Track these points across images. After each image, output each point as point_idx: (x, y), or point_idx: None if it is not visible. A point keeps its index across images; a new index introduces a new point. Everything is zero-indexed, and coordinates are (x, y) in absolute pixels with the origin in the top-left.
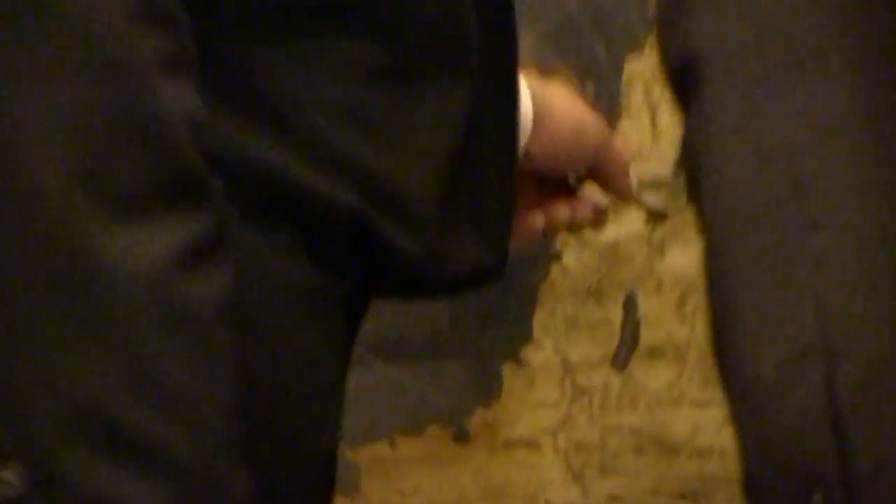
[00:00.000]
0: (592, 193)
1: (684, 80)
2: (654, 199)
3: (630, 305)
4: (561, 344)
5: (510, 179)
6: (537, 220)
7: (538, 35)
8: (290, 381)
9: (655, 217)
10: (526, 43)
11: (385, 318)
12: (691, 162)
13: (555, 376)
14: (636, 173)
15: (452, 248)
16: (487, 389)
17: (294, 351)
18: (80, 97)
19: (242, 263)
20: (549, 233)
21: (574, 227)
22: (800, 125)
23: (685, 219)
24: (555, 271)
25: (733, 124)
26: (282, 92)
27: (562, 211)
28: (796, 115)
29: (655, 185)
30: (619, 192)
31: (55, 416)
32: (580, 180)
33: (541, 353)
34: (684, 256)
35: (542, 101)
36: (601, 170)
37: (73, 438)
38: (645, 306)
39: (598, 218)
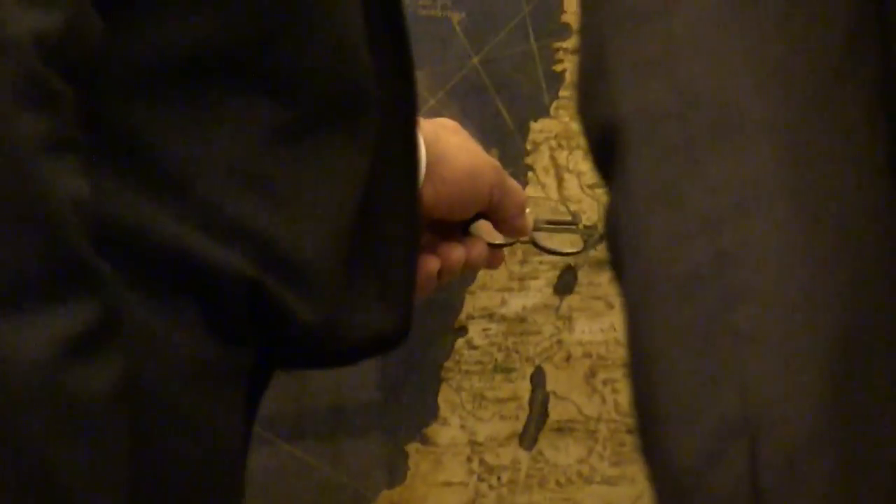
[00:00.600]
0: (488, 233)
1: (606, 153)
2: (551, 240)
3: (538, 380)
4: (468, 421)
5: (412, 242)
6: (431, 264)
7: (440, 97)
8: (189, 459)
9: (565, 264)
10: (428, 105)
11: (285, 394)
12: (612, 238)
13: (462, 455)
14: (533, 213)
15: (354, 314)
16: (393, 469)
17: (193, 427)
18: None
19: (138, 337)
20: (444, 276)
21: (469, 269)
22: (722, 196)
23: (593, 290)
24: (460, 345)
25: (654, 196)
26: (175, 156)
27: (456, 252)
28: (718, 185)
29: (555, 226)
30: (515, 231)
31: None
32: (475, 220)
33: (447, 431)
34: (593, 328)
35: (435, 144)
36: (497, 210)
37: None
38: (553, 380)
39: (494, 259)
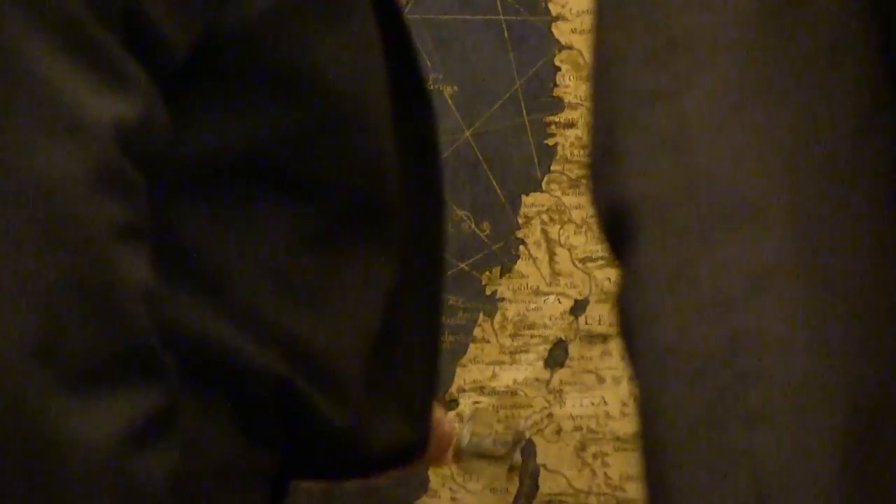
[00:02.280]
0: None
1: (617, 233)
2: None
3: (528, 453)
4: (458, 493)
5: (433, 359)
6: None
7: None
8: None
9: (552, 366)
10: None
11: None
12: (623, 317)
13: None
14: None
15: (378, 422)
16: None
17: None
18: (38, 266)
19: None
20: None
21: None
22: (733, 278)
23: (584, 364)
24: (451, 418)
25: (666, 278)
26: (213, 257)
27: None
28: (730, 269)
29: (481, 456)
30: (435, 464)
31: None
32: None
33: None
34: (584, 402)
35: None
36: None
37: None
38: (544, 453)
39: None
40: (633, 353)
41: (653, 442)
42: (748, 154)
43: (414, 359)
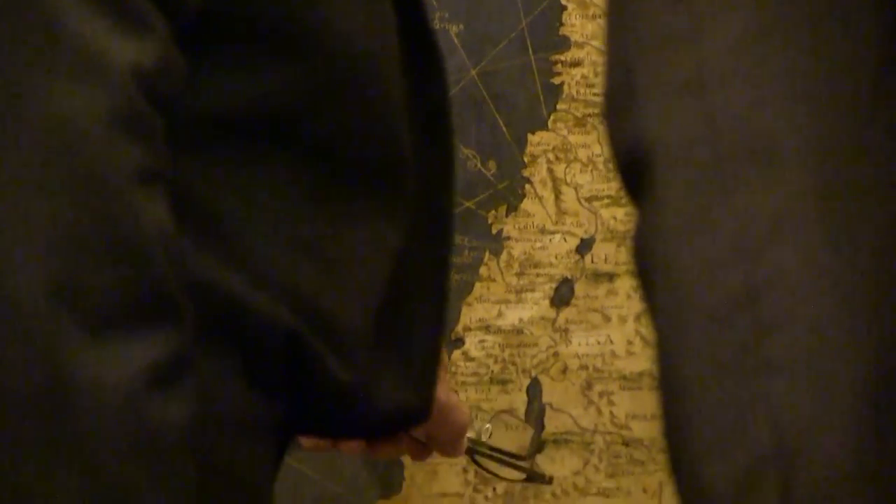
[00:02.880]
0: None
1: (634, 174)
2: (507, 471)
3: (534, 392)
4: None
5: (438, 324)
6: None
7: None
8: (229, 497)
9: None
10: None
11: None
12: (642, 261)
13: (457, 466)
14: (488, 429)
15: (382, 383)
16: (388, 480)
17: (228, 475)
18: (58, 210)
19: None
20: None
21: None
22: (754, 225)
23: (590, 303)
24: (456, 357)
25: (686, 224)
26: (223, 211)
27: (385, 450)
28: (750, 214)
29: (493, 454)
30: (447, 455)
31: None
32: None
33: None
34: (589, 341)
35: None
36: (433, 437)
37: None
38: (549, 392)
39: (420, 454)
40: (652, 297)
41: (673, 387)
42: (768, 97)
43: (420, 322)
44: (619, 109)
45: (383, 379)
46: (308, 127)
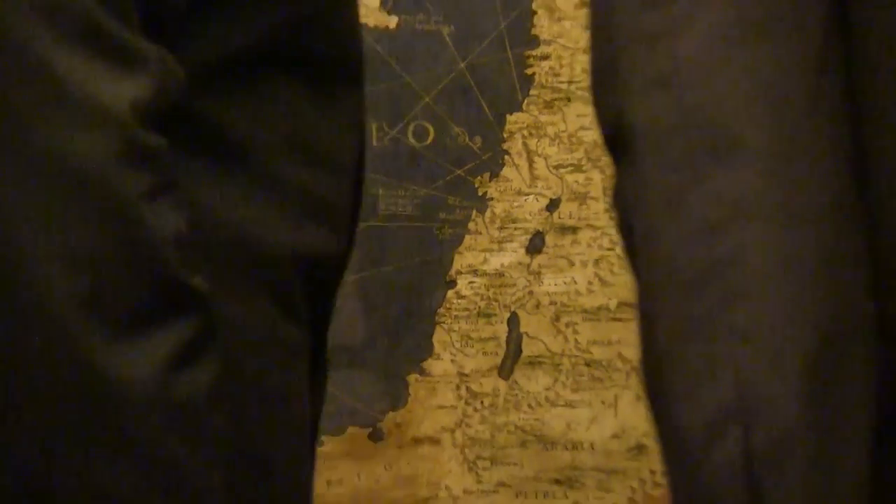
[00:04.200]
0: None
1: (615, 142)
2: None
3: (513, 323)
4: (457, 357)
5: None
6: None
7: (435, 94)
8: (269, 428)
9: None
10: (423, 102)
11: None
12: (623, 215)
13: (452, 384)
14: None
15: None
16: (396, 396)
17: (271, 398)
18: (80, 232)
19: (230, 325)
20: None
21: None
22: (720, 208)
23: (558, 251)
24: (450, 296)
25: (663, 202)
26: (234, 133)
27: None
28: (717, 198)
29: None
30: None
31: None
32: None
33: (440, 365)
34: (558, 282)
35: None
36: None
37: None
38: (526, 323)
39: None
40: (634, 260)
41: (651, 347)
42: (735, 93)
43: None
44: (604, 85)
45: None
46: (298, 50)
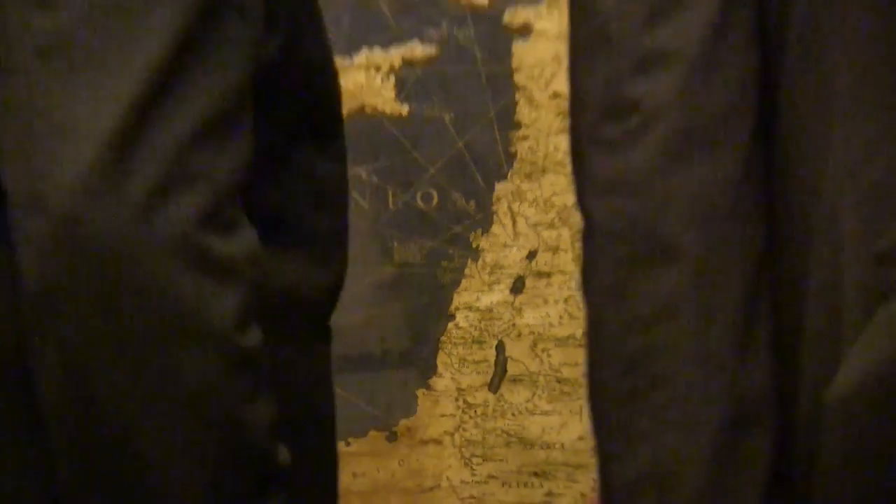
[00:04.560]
0: None
1: (582, 225)
2: None
3: (500, 349)
4: (455, 375)
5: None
6: None
7: (438, 167)
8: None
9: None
10: (429, 174)
11: (343, 347)
12: (584, 298)
13: (452, 397)
14: None
15: None
16: (408, 406)
17: (319, 411)
18: (195, 437)
19: (286, 364)
20: None
21: None
22: (652, 303)
23: (536, 292)
24: (450, 327)
25: (606, 290)
26: (278, 205)
27: None
28: (650, 294)
29: None
30: None
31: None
32: None
33: (442, 382)
34: (535, 316)
35: None
36: None
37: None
38: (510, 349)
39: None
40: (588, 339)
41: (595, 408)
42: (673, 203)
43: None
44: (576, 155)
45: None
46: (310, 120)
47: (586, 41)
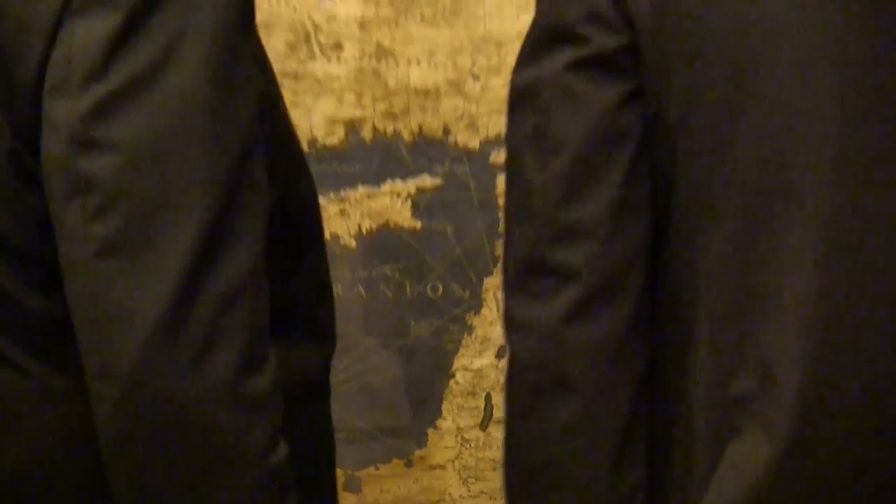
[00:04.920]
0: None
1: None
2: None
3: (488, 399)
4: (455, 418)
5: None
6: None
7: (442, 268)
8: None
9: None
10: (436, 272)
11: (372, 410)
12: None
13: (453, 434)
14: None
15: None
16: (420, 441)
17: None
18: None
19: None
20: None
21: None
22: (552, 431)
23: None
24: (451, 383)
25: (521, 410)
26: (290, 297)
27: None
28: (550, 423)
29: None
30: None
31: None
32: None
33: (446, 423)
34: None
35: None
36: None
37: None
38: (495, 399)
39: None
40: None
41: (507, 481)
42: (576, 347)
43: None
44: (504, 305)
45: None
46: (305, 227)
47: (516, 207)
